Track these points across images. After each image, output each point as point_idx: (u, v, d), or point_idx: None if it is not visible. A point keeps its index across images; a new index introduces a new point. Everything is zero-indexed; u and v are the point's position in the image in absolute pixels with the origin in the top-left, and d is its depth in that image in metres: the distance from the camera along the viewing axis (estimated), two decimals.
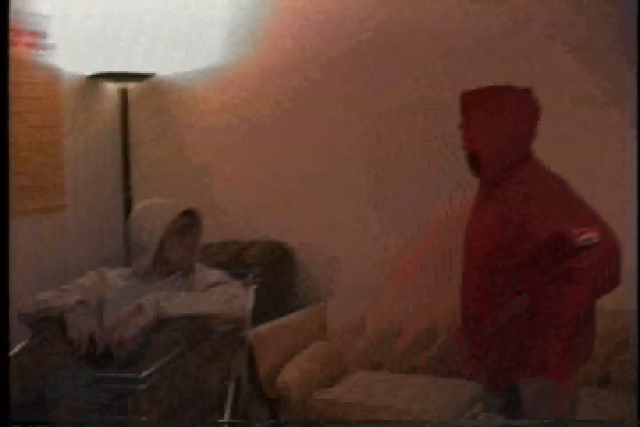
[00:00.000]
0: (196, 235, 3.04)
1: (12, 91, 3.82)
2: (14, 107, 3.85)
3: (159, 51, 4.25)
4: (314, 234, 4.25)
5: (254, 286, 3.22)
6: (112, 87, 4.33)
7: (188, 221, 3.02)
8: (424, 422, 3.15)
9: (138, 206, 3.11)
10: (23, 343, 2.84)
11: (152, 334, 2.79)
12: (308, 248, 4.24)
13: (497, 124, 2.70)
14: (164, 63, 4.32)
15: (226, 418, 2.96)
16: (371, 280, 4.04)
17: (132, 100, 4.35)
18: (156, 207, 3.00)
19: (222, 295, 2.93)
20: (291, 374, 3.64)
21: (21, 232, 3.82)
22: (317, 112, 4.23)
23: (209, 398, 2.92)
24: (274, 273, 4.10)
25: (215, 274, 3.08)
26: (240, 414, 3.18)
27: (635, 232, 3.36)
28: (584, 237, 2.60)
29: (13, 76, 3.80)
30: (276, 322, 3.83)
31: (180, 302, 2.83)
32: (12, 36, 3.79)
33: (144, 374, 2.56)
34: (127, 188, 4.31)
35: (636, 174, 3.36)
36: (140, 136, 4.41)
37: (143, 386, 2.53)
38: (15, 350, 2.79)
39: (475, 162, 2.80)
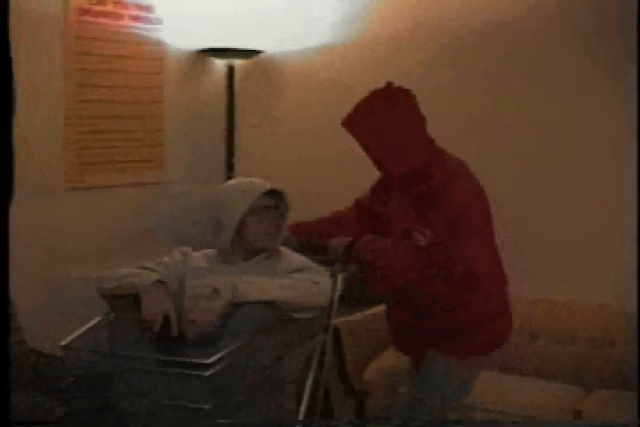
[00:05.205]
0: (280, 217, 2.91)
1: (118, 65, 3.82)
2: (119, 81, 3.82)
3: (269, 27, 4.14)
4: None
5: (343, 274, 3.06)
6: (219, 63, 4.25)
7: (274, 202, 2.89)
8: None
9: (222, 185, 3.02)
10: (99, 318, 2.78)
11: (227, 319, 2.68)
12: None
13: (386, 136, 2.63)
14: (274, 40, 4.20)
15: (302, 411, 2.82)
16: None
17: (239, 77, 4.24)
18: (239, 186, 2.89)
19: (303, 282, 2.79)
20: (379, 368, 3.48)
21: (115, 205, 3.80)
22: (431, 95, 4.01)
23: (284, 388, 2.80)
24: None
25: (299, 259, 2.94)
26: (320, 407, 3.03)
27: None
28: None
29: (119, 51, 3.81)
30: (369, 311, 3.68)
31: (257, 287, 2.70)
32: (117, 9, 3.76)
33: (211, 359, 2.44)
34: (230, 166, 4.21)
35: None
36: (246, 114, 4.31)
37: (207, 373, 2.41)
38: (89, 324, 2.74)
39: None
